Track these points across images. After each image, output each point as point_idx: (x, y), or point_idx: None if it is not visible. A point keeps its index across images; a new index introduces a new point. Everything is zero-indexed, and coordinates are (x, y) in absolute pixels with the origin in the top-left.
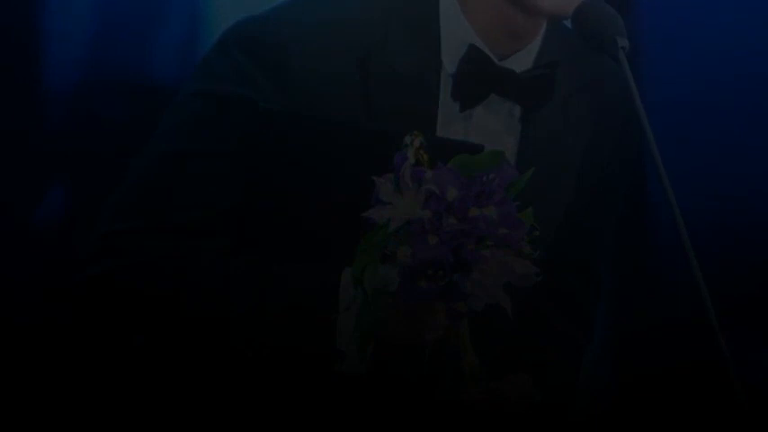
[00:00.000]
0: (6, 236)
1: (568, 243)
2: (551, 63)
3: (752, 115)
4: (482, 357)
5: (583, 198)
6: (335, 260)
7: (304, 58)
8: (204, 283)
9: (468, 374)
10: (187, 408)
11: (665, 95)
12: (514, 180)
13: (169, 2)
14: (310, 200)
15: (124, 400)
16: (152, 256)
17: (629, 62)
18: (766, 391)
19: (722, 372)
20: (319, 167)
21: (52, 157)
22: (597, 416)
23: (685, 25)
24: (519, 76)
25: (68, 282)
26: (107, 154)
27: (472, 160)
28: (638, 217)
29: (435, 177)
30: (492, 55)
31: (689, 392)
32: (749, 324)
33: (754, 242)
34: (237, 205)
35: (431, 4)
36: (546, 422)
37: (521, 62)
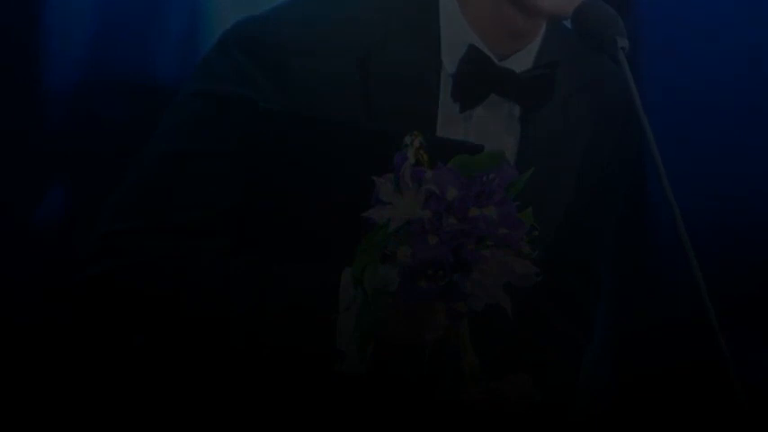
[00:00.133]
0: (6, 236)
1: (568, 243)
2: (551, 63)
3: (752, 115)
4: (482, 357)
5: (583, 198)
6: (335, 260)
7: (304, 58)
8: (204, 283)
9: (468, 374)
10: (187, 408)
11: (665, 95)
12: (514, 180)
13: (169, 2)
14: (310, 200)
15: (124, 400)
16: (152, 256)
17: (629, 62)
18: (766, 391)
19: (722, 372)
20: (319, 167)
21: (52, 157)
22: (597, 416)
23: (685, 25)
24: (519, 76)
25: (68, 282)
26: (107, 154)
27: (472, 160)
28: (638, 217)
29: (435, 177)
30: (492, 55)
31: (689, 392)
32: (749, 324)
33: (754, 242)
34: (237, 205)
35: (431, 4)
36: (546, 422)
37: (521, 62)
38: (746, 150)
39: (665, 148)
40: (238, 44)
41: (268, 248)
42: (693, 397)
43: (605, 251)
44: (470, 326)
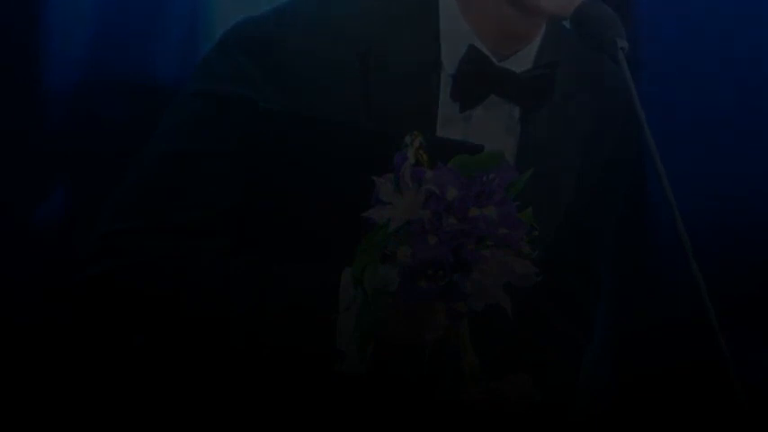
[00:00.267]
0: (6, 236)
1: (568, 243)
2: (551, 63)
3: (752, 115)
4: (482, 357)
5: (583, 198)
6: (335, 260)
7: (304, 59)
8: (204, 283)
9: (468, 374)
10: (187, 408)
11: (664, 95)
12: (514, 180)
13: (169, 2)
14: (310, 200)
15: (124, 400)
16: (152, 256)
17: (629, 62)
18: (766, 391)
19: (722, 372)
20: (319, 167)
21: (52, 157)
22: (597, 416)
23: (685, 26)
24: (519, 76)
25: (68, 282)
26: (107, 154)
27: (472, 160)
28: (638, 217)
29: (435, 177)
30: (492, 55)
31: (689, 392)
32: (749, 324)
33: (754, 242)
34: (237, 205)
35: (431, 4)
36: (546, 422)
37: (520, 62)
38: (746, 150)
39: (664, 148)
40: (238, 44)
41: (268, 248)
42: (693, 397)
43: (605, 251)
44: (470, 326)
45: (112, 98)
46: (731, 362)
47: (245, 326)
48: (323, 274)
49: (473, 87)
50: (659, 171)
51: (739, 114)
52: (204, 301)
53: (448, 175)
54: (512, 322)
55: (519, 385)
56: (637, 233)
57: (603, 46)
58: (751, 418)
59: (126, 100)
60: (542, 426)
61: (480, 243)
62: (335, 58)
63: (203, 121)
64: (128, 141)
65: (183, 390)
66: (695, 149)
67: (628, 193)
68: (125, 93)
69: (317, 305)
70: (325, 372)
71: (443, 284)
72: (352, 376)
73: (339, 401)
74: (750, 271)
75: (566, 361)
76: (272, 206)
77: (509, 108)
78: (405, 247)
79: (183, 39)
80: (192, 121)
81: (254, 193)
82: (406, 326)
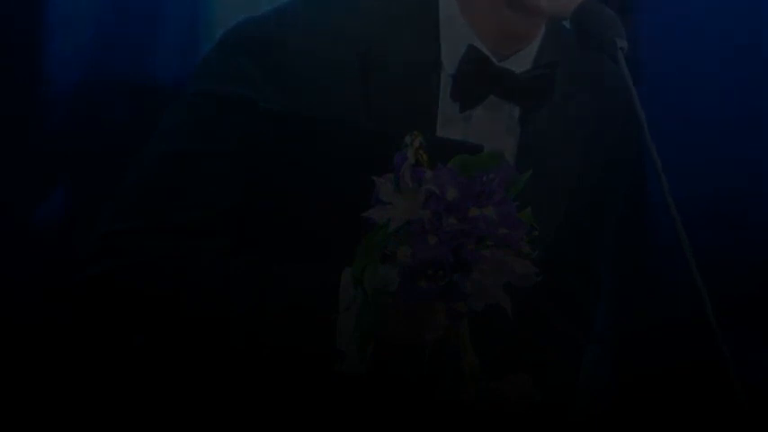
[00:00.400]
0: (6, 236)
1: (568, 243)
2: (551, 63)
3: (752, 115)
4: (482, 357)
5: (582, 198)
6: (335, 260)
7: (304, 59)
8: (204, 283)
9: (468, 374)
10: (187, 408)
11: (664, 95)
12: (514, 180)
13: (169, 2)
14: (310, 200)
15: (124, 400)
16: (152, 256)
17: (629, 62)
18: (766, 391)
19: (722, 372)
20: (319, 167)
21: (52, 157)
22: (597, 416)
23: (685, 26)
24: (518, 76)
25: (68, 282)
26: (107, 154)
27: (472, 160)
28: (638, 217)
29: (435, 177)
30: (491, 55)
31: (689, 392)
32: (749, 324)
33: (753, 242)
34: (237, 205)
35: (430, 4)
36: (546, 422)
37: (520, 63)
38: (746, 150)
39: (664, 148)
40: (239, 45)
41: (268, 248)
42: (693, 397)
43: (605, 251)
44: (470, 326)
45: (112, 98)
46: (731, 362)
47: (245, 326)
48: (323, 274)
49: (473, 87)
50: (659, 171)
51: (739, 114)
52: (204, 301)
53: (448, 175)
54: (512, 322)
55: (519, 385)
56: (637, 233)
57: (603, 46)
58: (751, 418)
59: (126, 100)
60: (542, 426)
61: (480, 243)
62: (335, 59)
63: (203, 121)
64: (128, 141)
65: (184, 390)
66: (695, 149)
67: (628, 193)
68: (125, 93)
69: (317, 305)
70: (325, 372)
71: (443, 284)
72: (352, 376)
73: (339, 401)
74: (750, 271)
75: (566, 361)
76: (272, 206)
77: (509, 108)
78: (405, 247)
79: (183, 39)
80: (192, 121)
81: (254, 193)
82: (406, 326)
